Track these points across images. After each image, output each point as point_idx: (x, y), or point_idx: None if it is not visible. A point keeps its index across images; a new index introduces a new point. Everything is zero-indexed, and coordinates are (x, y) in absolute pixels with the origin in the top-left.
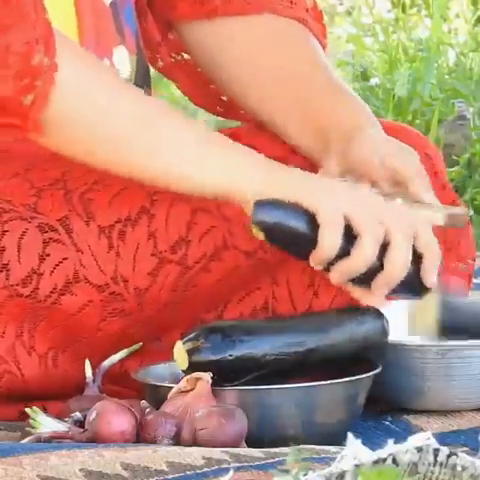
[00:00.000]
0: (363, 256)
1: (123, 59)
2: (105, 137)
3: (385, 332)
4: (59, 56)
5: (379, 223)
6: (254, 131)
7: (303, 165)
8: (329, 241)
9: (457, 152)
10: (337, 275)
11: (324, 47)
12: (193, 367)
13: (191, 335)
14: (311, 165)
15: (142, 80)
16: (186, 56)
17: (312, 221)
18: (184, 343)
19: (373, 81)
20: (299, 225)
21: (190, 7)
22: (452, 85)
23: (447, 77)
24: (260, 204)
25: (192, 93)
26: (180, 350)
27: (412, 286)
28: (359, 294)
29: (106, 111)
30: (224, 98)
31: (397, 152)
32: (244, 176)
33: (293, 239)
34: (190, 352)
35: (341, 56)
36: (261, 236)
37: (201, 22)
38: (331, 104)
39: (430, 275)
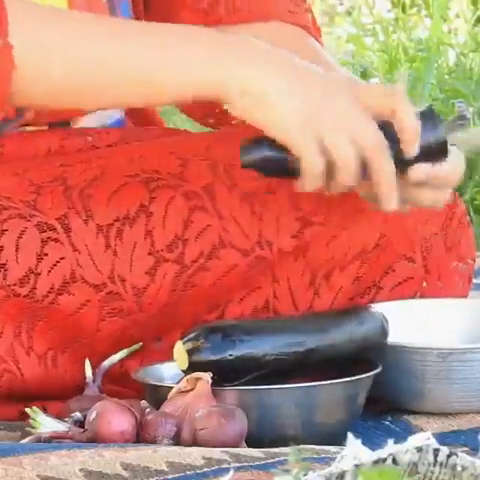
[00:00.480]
0: (345, 181)
1: None
2: (74, 89)
3: (385, 332)
4: (12, 34)
5: (351, 142)
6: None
7: None
8: (311, 182)
9: None
10: (332, 190)
11: None
12: (193, 367)
13: (191, 335)
14: None
15: None
16: None
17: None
18: (184, 343)
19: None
20: (282, 160)
21: (194, 16)
22: (452, 85)
23: (447, 77)
24: (244, 148)
25: (185, 105)
26: (180, 350)
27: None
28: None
29: (70, 65)
30: (218, 110)
31: None
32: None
33: (283, 170)
34: (190, 352)
35: (341, 56)
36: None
37: None
38: None
39: (409, 148)
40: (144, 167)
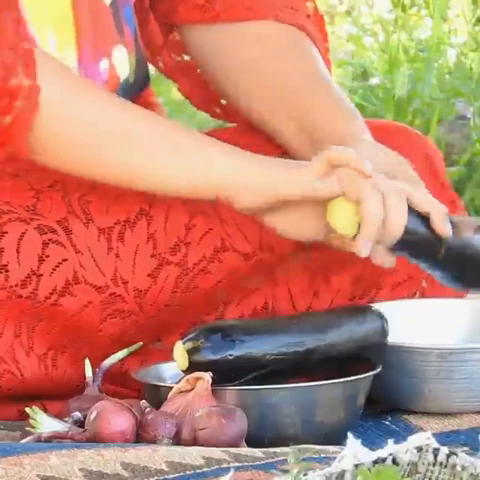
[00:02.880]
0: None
1: (122, 59)
2: (89, 152)
3: (385, 332)
4: (40, 78)
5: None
6: (244, 131)
7: None
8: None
9: (457, 152)
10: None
11: (326, 51)
12: (193, 367)
13: (191, 335)
14: None
15: (141, 79)
16: (186, 57)
17: None
18: (184, 343)
19: (373, 81)
20: None
21: (191, 13)
22: (452, 85)
23: (447, 77)
24: None
25: (191, 94)
26: (180, 350)
27: (429, 246)
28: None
29: (88, 126)
30: (223, 101)
31: (390, 163)
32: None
33: None
34: (190, 352)
35: (341, 56)
36: None
37: (202, 27)
38: (326, 116)
39: (441, 224)
40: None
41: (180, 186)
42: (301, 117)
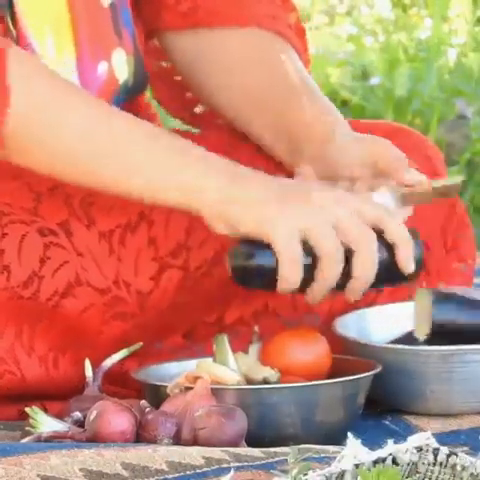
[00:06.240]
0: (327, 280)
1: (121, 62)
2: (62, 152)
3: None
4: (12, 77)
5: (336, 236)
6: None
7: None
8: (289, 276)
9: (457, 152)
10: (309, 298)
11: (307, 62)
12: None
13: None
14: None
15: (140, 82)
16: (164, 64)
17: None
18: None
19: (373, 81)
20: (264, 262)
21: (174, 17)
22: (452, 85)
23: (447, 77)
24: (230, 253)
25: (166, 101)
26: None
27: (393, 276)
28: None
29: (59, 126)
30: (197, 109)
31: (372, 145)
32: (200, 191)
33: (261, 277)
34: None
35: (341, 56)
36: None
37: (185, 33)
38: (304, 117)
39: (406, 264)
40: None
41: (156, 199)
42: (276, 122)
